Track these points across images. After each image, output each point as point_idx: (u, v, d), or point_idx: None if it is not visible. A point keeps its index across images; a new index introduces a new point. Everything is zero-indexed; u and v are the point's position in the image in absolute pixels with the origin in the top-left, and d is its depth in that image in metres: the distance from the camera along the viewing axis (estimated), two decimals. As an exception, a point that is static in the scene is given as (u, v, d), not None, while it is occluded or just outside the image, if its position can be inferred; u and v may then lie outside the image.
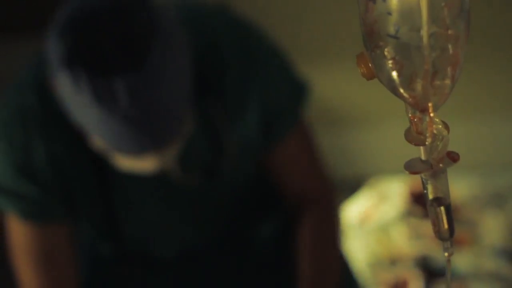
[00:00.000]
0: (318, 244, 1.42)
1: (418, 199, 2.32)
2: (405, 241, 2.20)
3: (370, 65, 0.64)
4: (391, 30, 0.61)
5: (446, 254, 0.71)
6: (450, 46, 0.61)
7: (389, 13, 0.60)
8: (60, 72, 1.12)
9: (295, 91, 1.38)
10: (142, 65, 1.10)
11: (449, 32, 0.61)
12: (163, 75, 1.12)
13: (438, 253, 2.13)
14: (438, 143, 0.64)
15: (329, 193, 1.47)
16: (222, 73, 1.28)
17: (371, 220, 2.31)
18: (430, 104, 0.63)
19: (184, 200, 1.39)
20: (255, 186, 1.47)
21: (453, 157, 0.65)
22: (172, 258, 1.48)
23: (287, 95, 1.37)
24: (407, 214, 2.28)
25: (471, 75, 2.46)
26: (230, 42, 1.29)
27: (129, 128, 1.13)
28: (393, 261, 2.17)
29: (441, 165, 0.66)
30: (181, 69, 1.16)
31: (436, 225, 0.70)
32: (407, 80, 0.62)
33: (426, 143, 0.64)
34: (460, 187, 2.36)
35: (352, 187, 2.48)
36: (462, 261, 2.11)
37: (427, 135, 0.64)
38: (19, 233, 1.32)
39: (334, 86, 2.54)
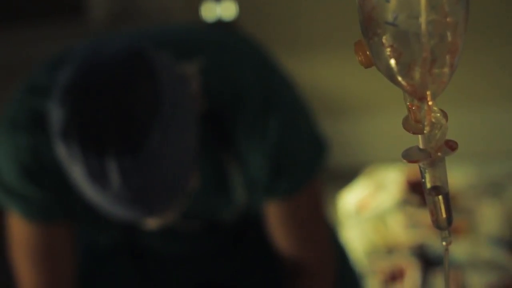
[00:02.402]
0: None
1: (414, 188, 2.32)
2: (401, 229, 2.20)
3: (368, 53, 0.63)
4: (389, 17, 0.60)
5: (444, 243, 0.71)
6: (448, 34, 0.60)
7: (387, 0, 0.60)
8: (57, 140, 1.11)
9: (313, 149, 1.33)
10: (139, 149, 1.07)
11: (448, 19, 0.60)
12: (161, 157, 1.09)
13: (434, 242, 2.13)
14: (437, 131, 0.64)
15: (325, 268, 1.42)
16: (240, 122, 1.25)
17: (368, 208, 2.31)
18: (428, 93, 0.62)
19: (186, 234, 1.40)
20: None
21: (451, 146, 0.65)
22: (168, 256, 1.48)
23: (304, 150, 1.32)
24: (404, 203, 2.28)
25: (470, 63, 2.46)
26: (255, 93, 1.26)
27: (121, 205, 1.12)
28: (390, 250, 2.17)
29: (439, 154, 0.65)
30: (185, 140, 1.14)
31: (434, 214, 0.70)
32: (405, 68, 0.61)
33: (424, 131, 0.64)
34: (456, 176, 2.36)
35: (349, 175, 2.49)
36: (459, 249, 2.11)
37: (425, 123, 0.63)
38: (20, 230, 1.32)
39: (332, 74, 2.53)
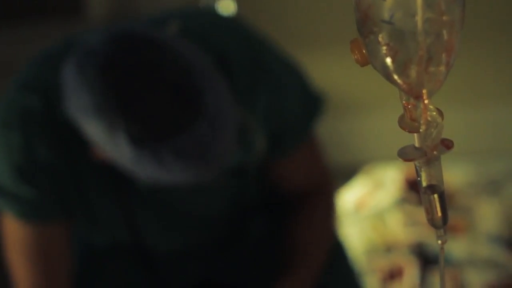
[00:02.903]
0: (312, 220, 1.43)
1: (413, 186, 2.32)
2: (400, 228, 2.20)
3: (364, 51, 0.63)
4: (386, 15, 0.60)
5: (439, 241, 0.71)
6: (445, 32, 0.60)
7: (384, -2, 0.60)
8: (115, 142, 1.09)
9: (307, 107, 1.36)
10: (203, 110, 1.08)
11: (444, 18, 0.60)
12: (220, 109, 1.11)
13: (433, 240, 2.13)
14: (432, 130, 0.64)
15: (328, 184, 1.46)
16: (231, 85, 1.25)
17: (367, 207, 2.31)
18: (424, 91, 0.62)
19: (191, 205, 1.39)
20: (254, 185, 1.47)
21: (447, 145, 0.65)
22: (167, 254, 1.48)
23: (298, 111, 1.34)
24: (403, 201, 2.28)
25: (467, 61, 2.46)
26: (241, 57, 1.27)
27: (202, 172, 1.13)
28: (389, 248, 2.17)
29: (435, 152, 0.65)
30: (225, 90, 1.14)
31: (430, 212, 0.70)
32: (401, 67, 0.61)
33: (420, 130, 0.64)
34: (455, 174, 2.36)
35: (347, 174, 2.48)
36: (457, 247, 2.11)
37: (421, 122, 0.64)
38: (15, 232, 1.31)
39: (328, 72, 2.53)
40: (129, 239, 1.40)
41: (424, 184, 0.69)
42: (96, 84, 1.08)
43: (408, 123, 0.65)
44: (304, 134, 1.37)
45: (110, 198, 1.30)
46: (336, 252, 1.53)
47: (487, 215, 2.22)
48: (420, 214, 2.21)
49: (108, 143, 1.10)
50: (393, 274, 2.09)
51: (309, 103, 1.36)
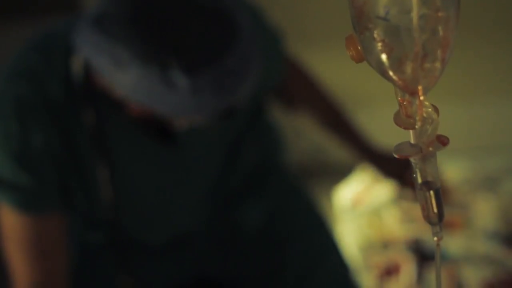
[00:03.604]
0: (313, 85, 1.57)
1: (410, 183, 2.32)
2: (397, 224, 2.20)
3: (359, 47, 0.63)
4: (381, 12, 0.60)
5: (435, 238, 0.71)
6: (440, 28, 0.60)
7: (379, -5, 0.60)
8: (171, 81, 1.10)
9: (275, 44, 1.44)
10: (236, 24, 1.11)
11: (439, 14, 0.60)
12: (251, 26, 1.15)
13: (430, 236, 2.12)
14: (428, 126, 0.64)
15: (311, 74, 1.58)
16: None
17: (363, 203, 2.31)
18: (419, 87, 0.62)
19: (183, 176, 1.39)
20: (245, 169, 1.47)
21: (442, 141, 0.65)
22: (161, 245, 1.48)
23: (272, 45, 1.42)
24: (399, 198, 2.27)
25: (464, 58, 2.46)
26: None
27: (245, 94, 1.16)
28: (385, 245, 2.17)
29: (430, 148, 0.65)
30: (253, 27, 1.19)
31: (425, 209, 0.70)
32: (397, 63, 0.61)
33: (416, 126, 0.64)
34: (452, 170, 2.36)
35: (344, 170, 2.48)
36: (454, 244, 2.11)
37: (417, 118, 0.63)
38: (13, 224, 1.31)
39: (324, 69, 2.53)
40: (115, 237, 1.40)
41: (419, 180, 0.69)
42: (128, 36, 1.09)
43: (403, 120, 0.64)
44: (282, 68, 1.46)
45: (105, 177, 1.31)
46: (326, 243, 1.54)
47: (484, 211, 2.22)
48: (417, 210, 2.20)
49: (163, 85, 1.10)
50: (390, 271, 2.09)
51: (275, 36, 1.44)
